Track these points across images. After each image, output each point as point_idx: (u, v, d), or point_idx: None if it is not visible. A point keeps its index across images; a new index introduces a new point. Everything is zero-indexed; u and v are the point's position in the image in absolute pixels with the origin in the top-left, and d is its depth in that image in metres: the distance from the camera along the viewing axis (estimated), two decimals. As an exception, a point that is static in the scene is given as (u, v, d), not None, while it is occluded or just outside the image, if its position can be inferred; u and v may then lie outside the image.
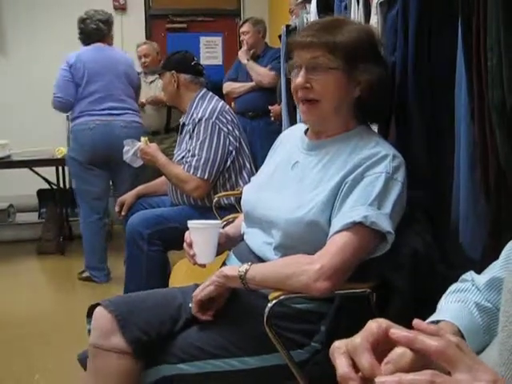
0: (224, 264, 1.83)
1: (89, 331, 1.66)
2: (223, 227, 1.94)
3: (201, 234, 1.78)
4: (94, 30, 4.32)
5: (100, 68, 4.22)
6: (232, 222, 2.14)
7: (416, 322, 0.74)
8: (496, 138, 1.45)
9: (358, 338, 0.75)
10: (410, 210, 1.62)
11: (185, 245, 1.81)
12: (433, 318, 1.03)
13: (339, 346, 0.76)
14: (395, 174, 1.57)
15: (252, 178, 1.95)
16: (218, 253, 1.84)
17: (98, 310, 1.63)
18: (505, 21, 1.35)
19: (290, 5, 4.33)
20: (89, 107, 4.19)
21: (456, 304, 1.03)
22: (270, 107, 4.63)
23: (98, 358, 1.59)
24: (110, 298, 1.69)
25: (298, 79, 1.64)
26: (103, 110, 4.20)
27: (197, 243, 1.78)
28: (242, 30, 5.13)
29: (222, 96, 4.71)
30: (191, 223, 1.79)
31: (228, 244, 1.90)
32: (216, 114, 3.04)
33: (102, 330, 1.59)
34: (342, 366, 0.74)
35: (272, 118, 4.63)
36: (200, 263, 1.80)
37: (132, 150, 3.22)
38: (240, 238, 1.90)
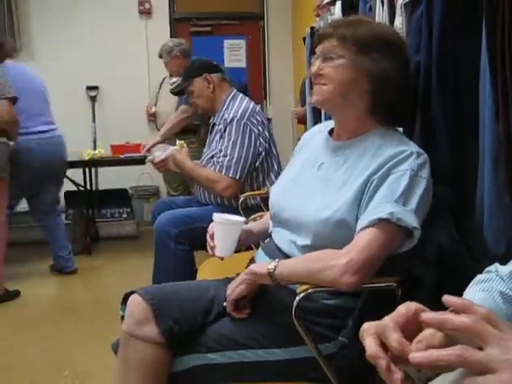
0: (253, 260, 1.88)
1: (122, 318, 1.70)
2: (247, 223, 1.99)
3: (223, 228, 1.83)
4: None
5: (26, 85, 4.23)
6: (258, 219, 2.19)
7: (445, 297, 0.74)
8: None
9: (386, 319, 0.78)
10: (435, 206, 1.64)
11: (207, 235, 1.87)
12: None
13: (368, 328, 0.79)
14: (420, 171, 1.60)
15: (278, 179, 1.99)
16: (238, 247, 1.90)
17: (133, 298, 1.66)
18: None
19: (316, 9, 4.35)
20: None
21: (481, 293, 1.05)
22: (292, 109, 4.65)
23: (130, 346, 1.63)
24: (145, 287, 1.72)
25: (313, 67, 1.73)
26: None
27: (218, 237, 1.83)
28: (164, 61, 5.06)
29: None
30: (216, 216, 1.84)
31: (250, 240, 1.98)
32: (247, 114, 3.08)
33: (135, 318, 1.63)
34: (370, 345, 0.77)
35: (296, 120, 4.62)
36: (218, 255, 1.85)
37: (164, 155, 3.24)
38: (265, 235, 1.95)
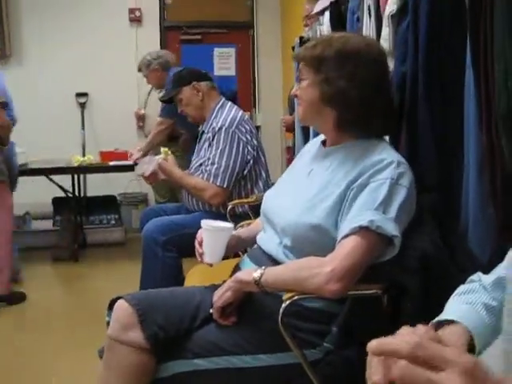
0: (238, 267, 1.89)
1: (108, 323, 1.70)
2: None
3: (211, 235, 1.85)
4: None
5: None
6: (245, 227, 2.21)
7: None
8: (502, 144, 1.50)
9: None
10: (420, 213, 1.66)
11: (196, 242, 1.89)
12: (441, 317, 1.05)
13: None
14: (400, 179, 1.62)
15: (273, 187, 2.03)
16: (227, 253, 1.92)
17: (120, 303, 1.67)
18: (510, 31, 1.40)
19: (304, 19, 4.38)
20: None
21: (464, 305, 1.06)
22: (281, 117, 4.69)
23: (114, 351, 1.64)
24: (132, 293, 1.73)
25: (293, 90, 1.87)
26: None
27: (206, 243, 1.84)
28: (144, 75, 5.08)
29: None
30: (204, 223, 1.86)
31: (239, 246, 2.01)
32: (236, 123, 3.10)
33: (121, 323, 1.63)
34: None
35: (284, 129, 4.65)
36: (207, 262, 1.87)
37: (152, 167, 3.25)
38: (253, 242, 1.96)
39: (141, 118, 5.65)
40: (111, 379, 1.64)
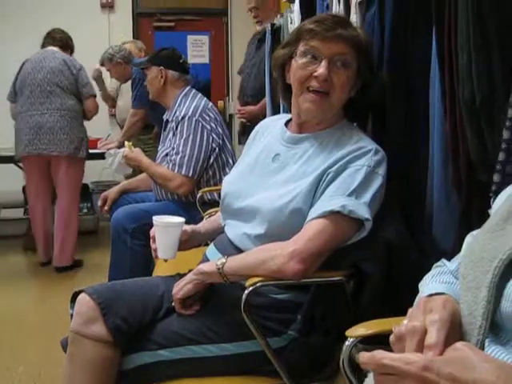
0: (205, 256, 1.87)
1: (71, 316, 1.68)
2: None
3: (161, 231, 1.84)
4: None
5: None
6: (214, 215, 2.19)
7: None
8: (466, 133, 1.51)
9: None
10: (385, 202, 1.67)
11: (151, 238, 1.88)
12: (426, 292, 1.03)
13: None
14: (377, 167, 1.62)
15: (232, 170, 1.99)
16: (186, 248, 1.92)
17: (82, 297, 1.65)
18: (474, 21, 1.41)
19: (248, 3, 4.33)
20: None
21: (442, 285, 1.05)
22: (239, 108, 4.45)
23: (77, 344, 1.62)
24: (94, 286, 1.71)
25: (321, 70, 1.64)
26: None
27: (158, 239, 1.84)
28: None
29: (209, 95, 4.74)
30: (155, 219, 1.85)
31: (194, 240, 1.97)
32: (199, 111, 3.08)
33: (83, 317, 1.62)
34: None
35: (243, 120, 4.39)
36: (160, 258, 1.86)
37: (117, 159, 3.24)
38: (215, 234, 1.96)
39: (113, 104, 5.59)
40: (75, 374, 1.62)
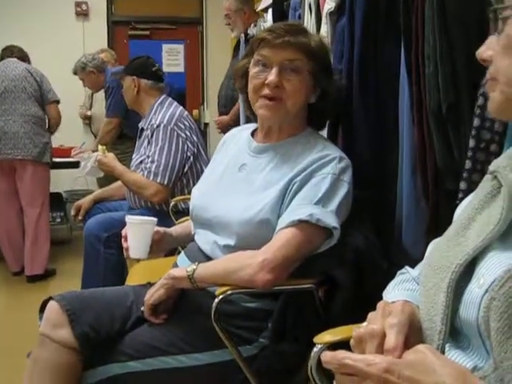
0: (175, 265, 1.86)
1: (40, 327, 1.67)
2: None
3: (134, 228, 1.84)
4: None
5: None
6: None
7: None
8: (433, 141, 1.53)
9: None
10: (355, 209, 1.68)
11: (123, 238, 1.87)
12: (389, 300, 1.03)
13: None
14: (341, 175, 1.64)
15: (199, 181, 1.99)
16: (158, 250, 1.93)
17: (51, 304, 1.64)
18: (440, 31, 1.43)
19: (226, 10, 4.33)
20: None
21: (406, 292, 1.06)
22: (215, 118, 4.51)
23: (44, 348, 1.61)
24: (63, 293, 1.70)
25: (272, 77, 1.66)
26: None
27: (130, 237, 1.84)
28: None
29: (184, 104, 4.72)
30: (128, 217, 1.85)
31: (166, 241, 1.96)
32: (174, 120, 3.07)
33: (51, 322, 1.61)
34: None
35: (218, 130, 4.45)
36: (132, 257, 1.85)
37: (90, 163, 3.21)
38: (186, 239, 1.96)
39: (87, 118, 5.58)
40: (35, 374, 1.61)
